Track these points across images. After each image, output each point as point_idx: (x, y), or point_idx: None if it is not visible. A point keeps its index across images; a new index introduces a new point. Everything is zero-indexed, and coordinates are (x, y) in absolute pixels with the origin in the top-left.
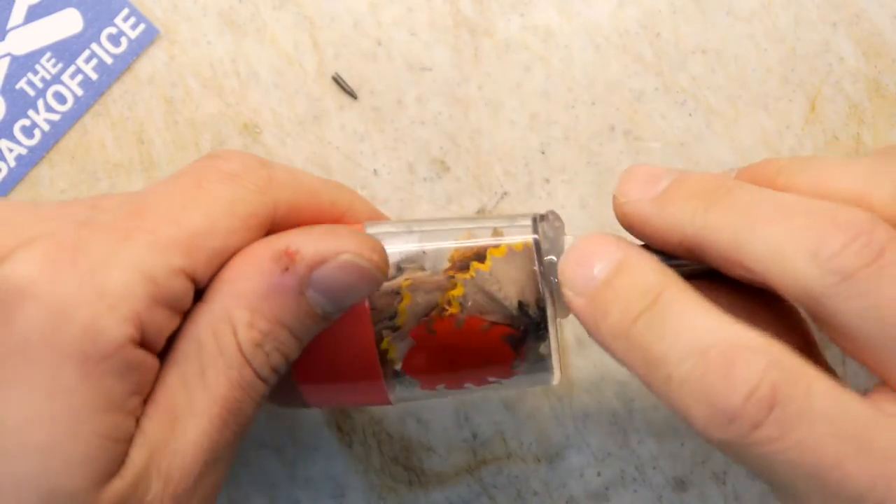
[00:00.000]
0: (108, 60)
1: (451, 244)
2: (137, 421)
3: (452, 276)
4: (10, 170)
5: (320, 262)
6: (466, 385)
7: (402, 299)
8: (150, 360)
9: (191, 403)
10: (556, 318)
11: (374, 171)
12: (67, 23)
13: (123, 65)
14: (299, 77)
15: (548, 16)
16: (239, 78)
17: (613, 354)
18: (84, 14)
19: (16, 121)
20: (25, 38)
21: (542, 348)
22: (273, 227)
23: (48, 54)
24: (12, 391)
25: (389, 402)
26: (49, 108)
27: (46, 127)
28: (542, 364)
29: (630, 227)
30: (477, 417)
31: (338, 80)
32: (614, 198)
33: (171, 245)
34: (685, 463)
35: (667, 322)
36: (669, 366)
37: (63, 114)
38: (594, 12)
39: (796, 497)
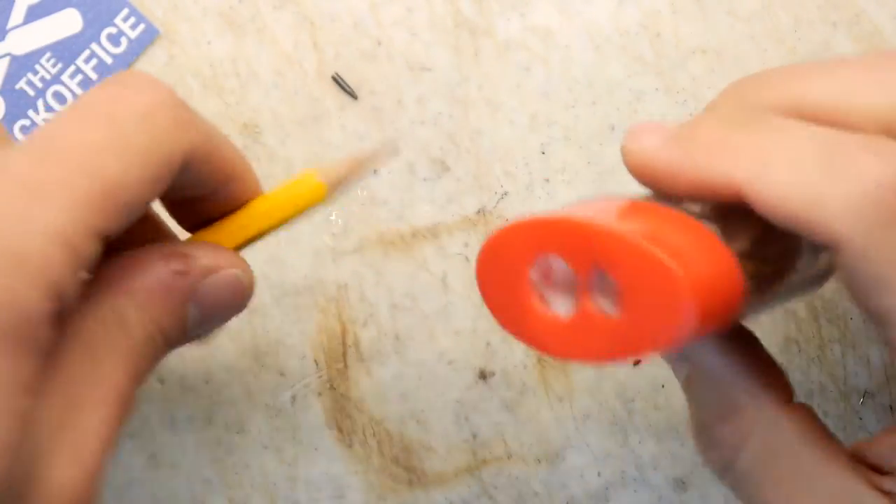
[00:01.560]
0: (108, 60)
1: None
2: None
3: None
4: None
5: (211, 272)
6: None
7: None
8: (56, 336)
9: (86, 393)
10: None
11: (374, 170)
12: (67, 23)
13: (123, 65)
14: (299, 77)
15: (548, 16)
16: (239, 78)
17: (709, 184)
18: (84, 14)
19: (16, 121)
20: (25, 38)
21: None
22: (181, 173)
23: (48, 54)
24: None
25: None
26: (49, 109)
27: None
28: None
29: (644, 173)
30: (477, 418)
31: (338, 80)
32: (624, 149)
33: (87, 202)
34: (685, 463)
35: (775, 124)
36: (795, 152)
37: None
38: (594, 12)
39: None
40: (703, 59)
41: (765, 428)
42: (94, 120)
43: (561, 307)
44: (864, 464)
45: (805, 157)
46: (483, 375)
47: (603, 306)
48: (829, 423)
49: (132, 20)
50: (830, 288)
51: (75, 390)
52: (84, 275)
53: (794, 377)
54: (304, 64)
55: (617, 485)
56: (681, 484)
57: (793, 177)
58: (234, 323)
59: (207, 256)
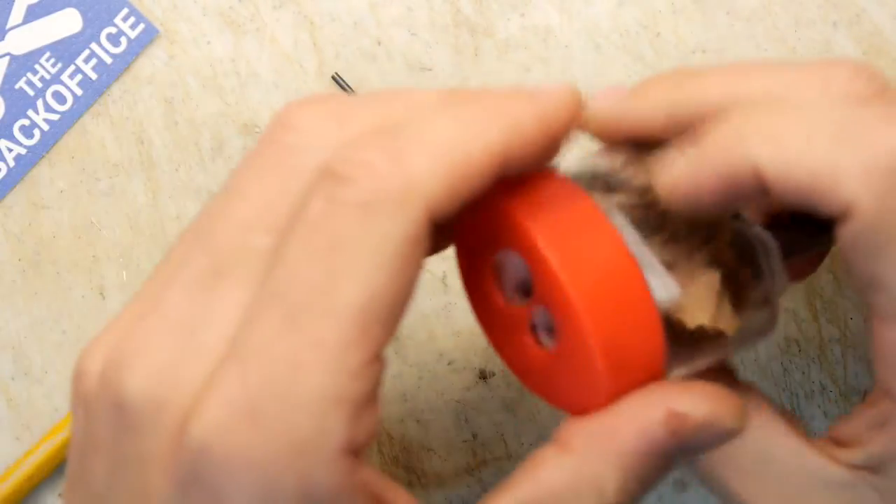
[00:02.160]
0: (108, 60)
1: None
2: None
3: None
4: (10, 170)
5: (705, 428)
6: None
7: None
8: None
9: None
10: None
11: None
12: (67, 22)
13: (123, 65)
14: (299, 77)
15: (548, 16)
16: (239, 78)
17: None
18: (84, 14)
19: (15, 121)
20: (25, 37)
21: None
22: (440, 217)
23: (47, 54)
24: None
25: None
26: (48, 108)
27: (46, 127)
28: None
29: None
30: (477, 418)
31: (338, 80)
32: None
33: (350, 345)
34: None
35: (776, 104)
36: (807, 129)
37: (62, 114)
38: (594, 12)
39: None
40: (703, 59)
41: None
42: (319, 247)
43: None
44: (838, 443)
45: (819, 128)
46: (483, 375)
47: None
48: (829, 423)
49: (132, 20)
50: (830, 288)
51: None
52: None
53: (795, 377)
54: (304, 64)
55: None
56: (681, 484)
57: (807, 145)
58: None
59: (701, 410)
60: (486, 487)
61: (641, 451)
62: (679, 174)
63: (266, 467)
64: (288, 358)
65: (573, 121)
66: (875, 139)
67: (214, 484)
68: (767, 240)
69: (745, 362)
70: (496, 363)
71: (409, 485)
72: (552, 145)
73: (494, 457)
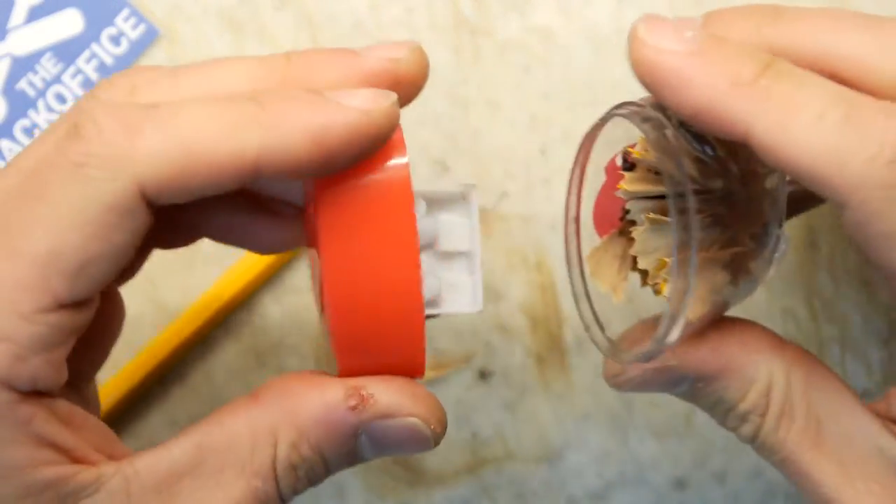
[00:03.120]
0: (109, 61)
1: None
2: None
3: None
4: None
5: (388, 416)
6: None
7: None
8: (54, 403)
9: (196, 495)
10: None
11: None
12: (68, 23)
13: (124, 65)
14: None
15: (548, 16)
16: None
17: (719, 115)
18: (85, 14)
19: (16, 121)
20: (26, 38)
21: None
22: (158, 200)
23: (49, 54)
24: None
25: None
26: (49, 109)
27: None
28: None
29: (653, 80)
30: (477, 418)
31: None
32: (638, 41)
33: (20, 289)
34: (685, 463)
35: (799, 75)
36: (819, 108)
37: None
38: (594, 12)
39: None
40: None
41: (779, 388)
42: (25, 189)
43: None
44: (890, 418)
45: (828, 117)
46: (483, 375)
47: None
48: None
49: (133, 20)
50: (829, 288)
51: (180, 487)
52: (64, 348)
53: None
54: None
55: (617, 484)
56: (680, 484)
57: (815, 136)
58: (235, 322)
59: (389, 397)
60: (486, 487)
61: (319, 418)
62: (673, 69)
63: None
64: None
65: (382, 139)
66: (881, 134)
67: None
68: (784, 241)
69: None
70: (496, 363)
71: (410, 484)
72: (348, 156)
73: (494, 456)
